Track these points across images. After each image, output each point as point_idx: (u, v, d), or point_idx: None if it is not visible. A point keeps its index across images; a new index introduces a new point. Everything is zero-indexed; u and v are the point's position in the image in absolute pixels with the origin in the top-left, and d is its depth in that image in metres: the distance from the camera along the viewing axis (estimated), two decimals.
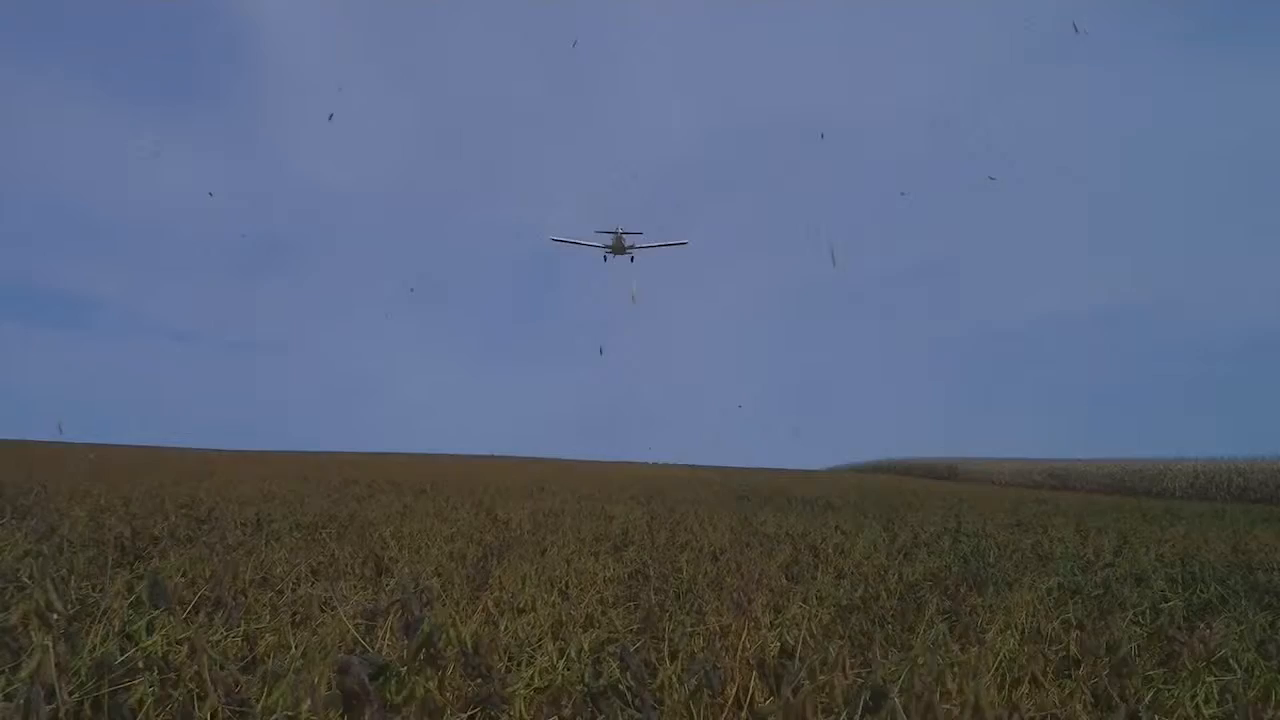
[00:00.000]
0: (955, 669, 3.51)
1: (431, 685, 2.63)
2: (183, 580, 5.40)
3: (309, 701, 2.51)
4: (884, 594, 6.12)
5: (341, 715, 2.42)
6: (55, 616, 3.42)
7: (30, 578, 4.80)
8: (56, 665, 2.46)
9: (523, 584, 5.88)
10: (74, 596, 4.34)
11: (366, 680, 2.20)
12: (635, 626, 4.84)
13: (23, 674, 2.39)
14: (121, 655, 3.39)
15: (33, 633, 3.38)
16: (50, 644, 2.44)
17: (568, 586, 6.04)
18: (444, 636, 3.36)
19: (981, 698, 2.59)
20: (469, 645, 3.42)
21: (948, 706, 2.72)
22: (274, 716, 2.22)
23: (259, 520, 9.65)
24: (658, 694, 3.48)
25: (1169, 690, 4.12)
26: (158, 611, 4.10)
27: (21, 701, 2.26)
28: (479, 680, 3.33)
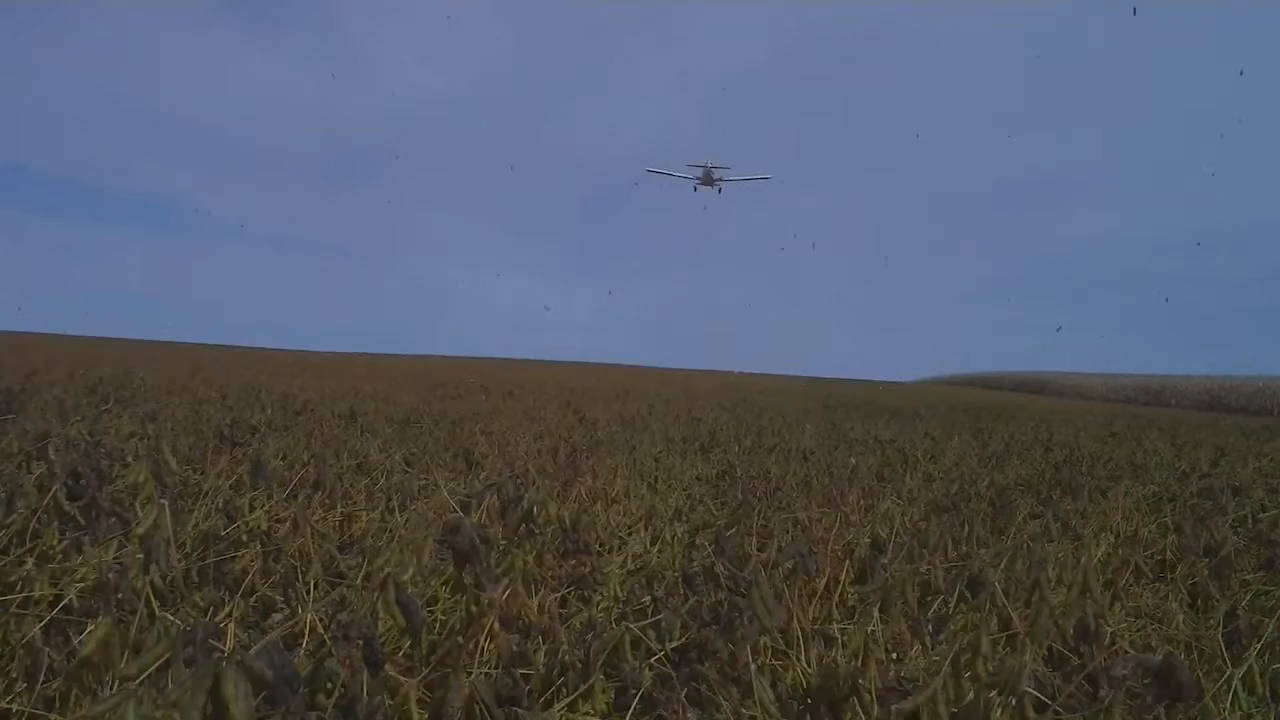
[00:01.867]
0: (1056, 560, 3.45)
1: (530, 559, 2.65)
2: (282, 463, 5.52)
3: (414, 567, 2.56)
4: (975, 497, 6.05)
5: (444, 583, 2.46)
6: (170, 478, 3.53)
7: (136, 457, 4.95)
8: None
9: (614, 475, 5.92)
10: (178, 478, 4.47)
11: (478, 540, 2.22)
12: (724, 521, 4.85)
13: (139, 530, 2.47)
14: (225, 529, 3.50)
15: (139, 505, 3.49)
16: (166, 503, 2.51)
17: (656, 482, 6.06)
18: (543, 513, 3.39)
19: (1090, 578, 2.54)
20: (567, 523, 3.46)
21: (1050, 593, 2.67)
22: (378, 578, 2.26)
23: (352, 413, 9.83)
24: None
25: (1269, 591, 4.04)
26: (258, 490, 4.21)
27: (142, 554, 2.33)
28: (573, 561, 3.37)
